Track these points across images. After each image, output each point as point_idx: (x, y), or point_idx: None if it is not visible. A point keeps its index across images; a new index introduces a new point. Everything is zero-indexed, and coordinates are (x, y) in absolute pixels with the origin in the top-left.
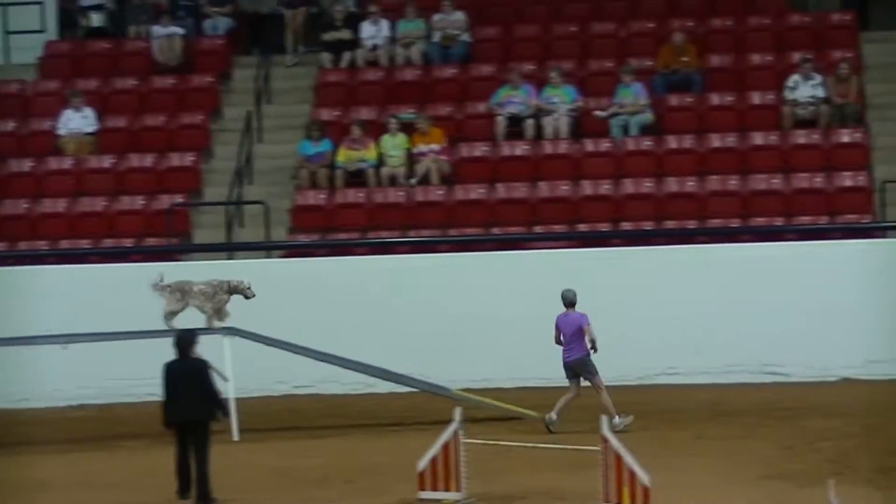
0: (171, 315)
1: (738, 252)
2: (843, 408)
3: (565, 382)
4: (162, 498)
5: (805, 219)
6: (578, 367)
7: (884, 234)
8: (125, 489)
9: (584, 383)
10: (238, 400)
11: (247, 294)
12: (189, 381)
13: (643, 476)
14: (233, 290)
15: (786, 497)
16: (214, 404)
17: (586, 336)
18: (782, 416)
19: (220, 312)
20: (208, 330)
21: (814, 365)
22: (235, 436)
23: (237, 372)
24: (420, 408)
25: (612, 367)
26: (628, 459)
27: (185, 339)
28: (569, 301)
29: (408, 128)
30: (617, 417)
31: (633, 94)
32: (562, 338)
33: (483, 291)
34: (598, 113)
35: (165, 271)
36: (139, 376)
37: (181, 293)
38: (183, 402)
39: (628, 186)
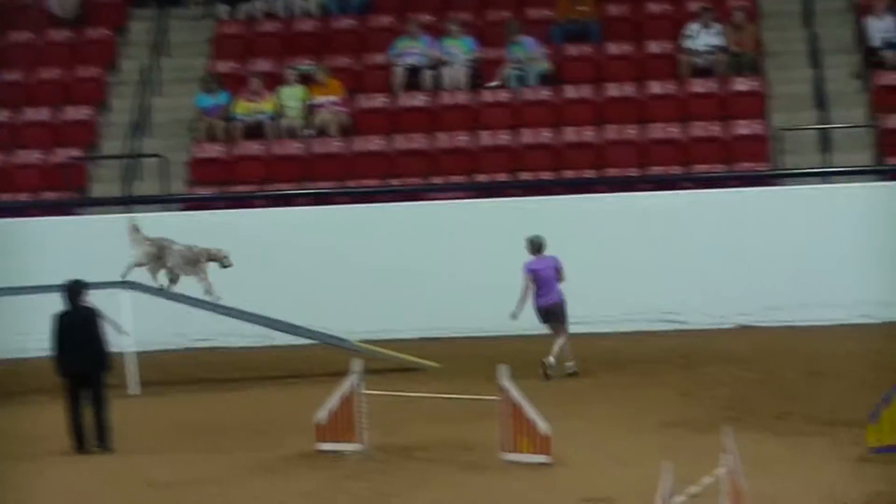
0: (136, 266)
1: (635, 201)
2: (741, 354)
3: (460, 333)
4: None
5: (702, 167)
6: (557, 309)
7: (780, 181)
8: (34, 442)
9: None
10: (138, 354)
11: (224, 263)
12: (79, 331)
13: (542, 425)
14: (211, 258)
15: (684, 443)
16: (103, 356)
17: (561, 278)
18: (680, 364)
19: (206, 282)
20: (104, 283)
21: (711, 312)
22: (135, 390)
23: (137, 326)
24: (320, 360)
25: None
26: (527, 409)
27: (73, 289)
28: (539, 245)
29: (306, 79)
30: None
31: (524, 49)
32: (535, 283)
33: (382, 243)
34: (491, 84)
35: (65, 225)
36: (33, 331)
37: (159, 249)
38: (74, 353)
39: (527, 136)
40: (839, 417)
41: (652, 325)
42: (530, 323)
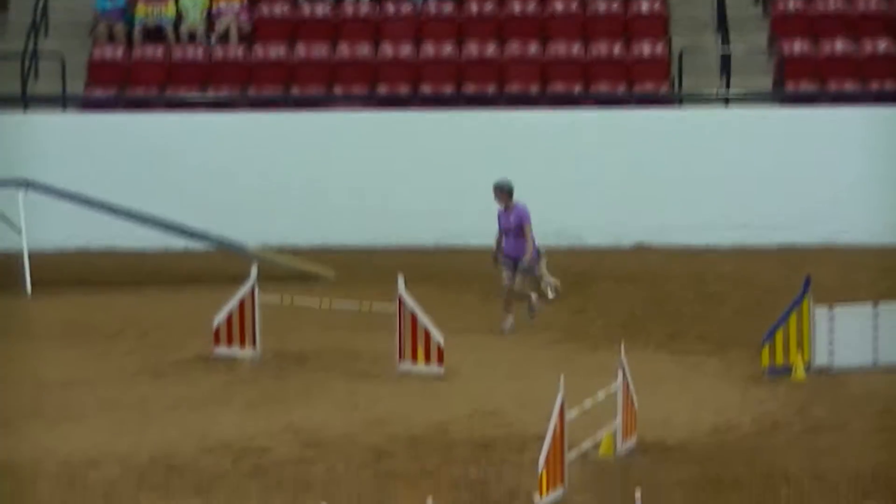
0: None
1: (535, 119)
2: (636, 273)
3: (357, 243)
4: None
5: (602, 87)
6: (512, 260)
7: (679, 103)
8: None
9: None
10: (31, 254)
11: None
12: None
13: (437, 335)
14: None
15: (577, 359)
16: None
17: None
18: (576, 281)
19: None
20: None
21: (608, 231)
22: (27, 290)
23: (30, 225)
24: (216, 265)
25: (411, 229)
26: (423, 319)
27: None
28: (500, 191)
29: None
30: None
31: None
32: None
33: (281, 151)
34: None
35: None
36: None
37: None
38: None
39: (428, 51)
40: (732, 338)
41: (547, 240)
42: (427, 235)
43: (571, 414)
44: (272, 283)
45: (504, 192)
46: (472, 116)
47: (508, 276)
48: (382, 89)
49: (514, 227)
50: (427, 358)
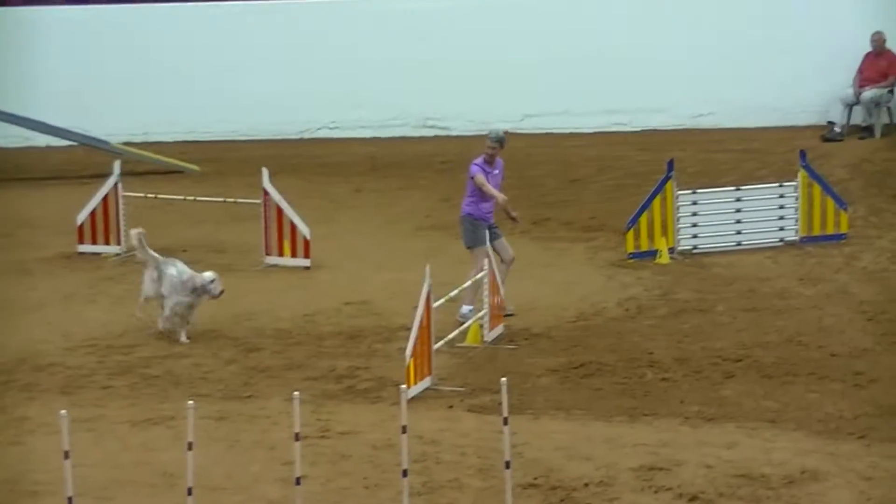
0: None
1: (394, 5)
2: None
3: (221, 136)
4: None
5: None
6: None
7: None
8: None
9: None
10: None
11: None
12: None
13: (303, 228)
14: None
15: (446, 248)
16: None
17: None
18: (441, 169)
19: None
20: None
21: (473, 118)
22: None
23: None
24: (79, 161)
25: (275, 121)
26: (289, 212)
27: None
28: (494, 140)
29: None
30: (465, 307)
31: None
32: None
33: (141, 43)
34: None
35: None
36: None
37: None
38: None
39: None
40: (597, 224)
41: (414, 130)
42: (291, 127)
43: (438, 303)
44: (137, 178)
45: (502, 144)
46: (334, 5)
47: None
48: None
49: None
50: (294, 251)
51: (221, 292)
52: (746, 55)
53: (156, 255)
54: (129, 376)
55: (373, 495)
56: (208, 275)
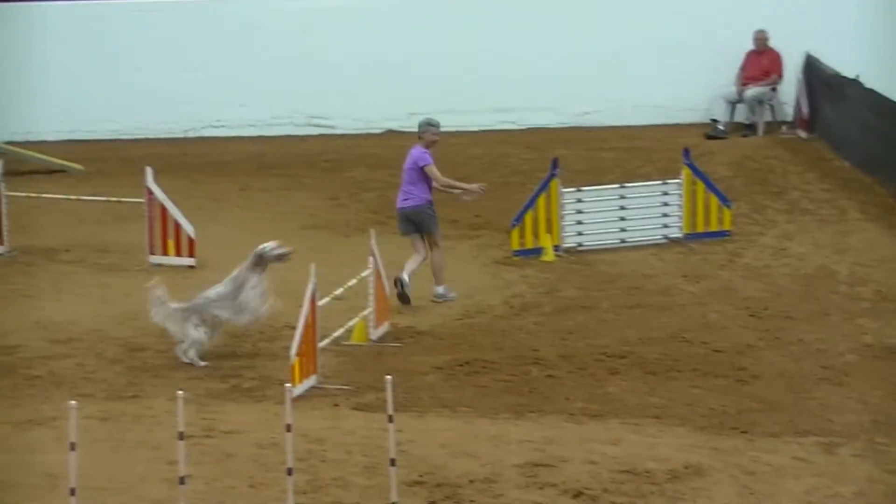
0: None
1: (279, 3)
2: (387, 160)
3: (105, 135)
4: None
5: None
6: (415, 216)
7: None
8: None
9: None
10: None
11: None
12: None
13: (188, 227)
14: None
15: (330, 246)
16: None
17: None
18: (327, 168)
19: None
20: None
21: (359, 117)
22: None
23: None
24: None
25: (161, 119)
26: (174, 211)
27: None
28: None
29: None
30: (442, 287)
31: None
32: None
33: (24, 42)
34: None
35: None
36: None
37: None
38: None
39: None
40: (482, 222)
41: (299, 129)
42: (177, 125)
43: (323, 301)
44: (19, 177)
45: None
46: (218, 3)
47: (417, 240)
48: None
49: (411, 164)
50: (178, 250)
51: (289, 254)
52: (631, 54)
53: (180, 303)
54: (12, 377)
55: (258, 494)
56: (269, 244)
